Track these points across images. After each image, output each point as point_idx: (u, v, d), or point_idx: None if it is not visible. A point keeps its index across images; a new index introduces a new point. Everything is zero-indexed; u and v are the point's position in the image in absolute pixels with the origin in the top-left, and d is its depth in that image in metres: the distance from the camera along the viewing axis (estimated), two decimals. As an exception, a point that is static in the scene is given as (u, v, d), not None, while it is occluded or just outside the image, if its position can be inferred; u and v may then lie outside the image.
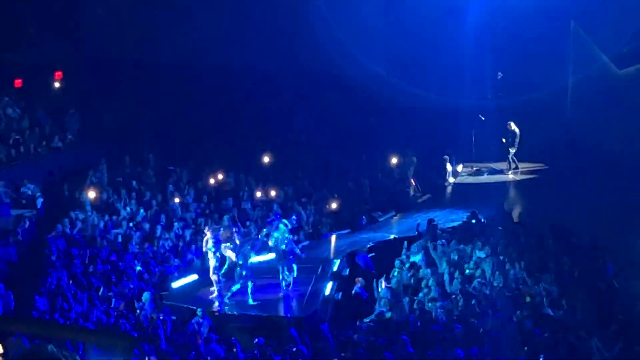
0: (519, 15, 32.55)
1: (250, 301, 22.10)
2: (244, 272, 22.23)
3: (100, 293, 22.30)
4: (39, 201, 27.63)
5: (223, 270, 22.72)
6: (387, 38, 34.01)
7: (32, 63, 32.70)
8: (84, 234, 25.66)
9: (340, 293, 22.94)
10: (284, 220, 22.97)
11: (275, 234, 22.64)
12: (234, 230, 22.94)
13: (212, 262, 22.62)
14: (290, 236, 22.92)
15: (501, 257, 22.68)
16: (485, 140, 32.74)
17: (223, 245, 22.56)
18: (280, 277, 22.74)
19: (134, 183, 29.37)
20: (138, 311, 21.27)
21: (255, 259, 22.77)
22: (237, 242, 22.52)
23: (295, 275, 22.94)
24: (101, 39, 34.52)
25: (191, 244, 25.62)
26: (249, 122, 33.34)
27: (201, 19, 34.25)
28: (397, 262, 23.47)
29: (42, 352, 6.81)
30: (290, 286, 22.79)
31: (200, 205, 28.35)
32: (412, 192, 30.54)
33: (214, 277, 22.69)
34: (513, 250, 23.26)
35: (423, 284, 22.04)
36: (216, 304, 22.39)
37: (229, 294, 22.38)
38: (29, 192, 27.98)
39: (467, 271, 22.44)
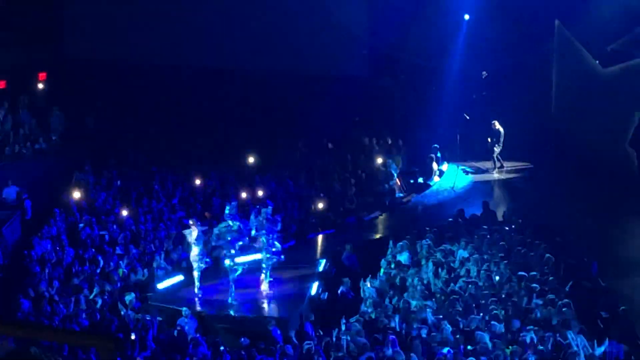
0: (503, 13, 32.55)
1: (231, 300, 22.14)
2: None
3: (85, 294, 22.20)
4: (27, 203, 27.52)
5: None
6: (370, 37, 33.99)
7: (15, 64, 32.53)
8: (68, 235, 25.56)
9: (326, 293, 22.90)
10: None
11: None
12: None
13: (195, 264, 22.53)
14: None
15: (486, 256, 22.72)
16: (470, 139, 32.77)
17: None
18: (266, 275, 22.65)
19: (119, 183, 29.28)
20: (123, 312, 21.20)
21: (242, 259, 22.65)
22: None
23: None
24: (85, 40, 34.42)
25: (177, 245, 25.52)
26: (233, 123, 33.25)
27: (186, 20, 34.18)
28: (383, 262, 23.49)
29: (25, 354, 6.76)
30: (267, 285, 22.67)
31: (186, 206, 28.25)
32: (397, 192, 30.53)
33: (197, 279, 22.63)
34: (498, 249, 23.31)
35: (409, 283, 22.04)
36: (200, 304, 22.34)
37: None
38: (14, 194, 27.88)
39: (453, 270, 22.47)
